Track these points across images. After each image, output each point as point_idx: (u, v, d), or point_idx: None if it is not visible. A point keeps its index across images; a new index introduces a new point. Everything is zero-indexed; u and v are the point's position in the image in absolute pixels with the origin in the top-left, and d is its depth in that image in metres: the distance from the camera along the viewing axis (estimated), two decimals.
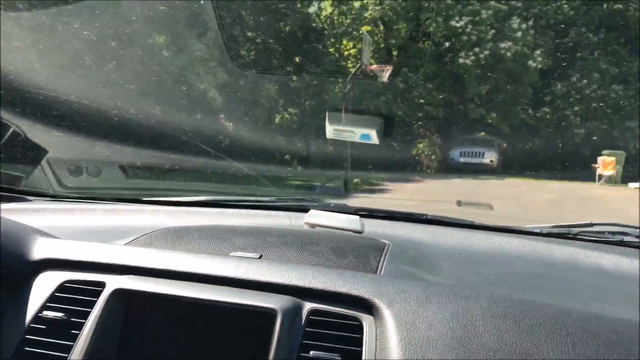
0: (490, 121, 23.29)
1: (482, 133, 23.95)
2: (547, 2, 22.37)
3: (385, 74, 17.40)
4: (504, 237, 1.29)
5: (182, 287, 0.88)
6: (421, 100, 23.09)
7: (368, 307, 0.81)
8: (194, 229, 1.17)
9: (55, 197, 1.64)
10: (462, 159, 21.60)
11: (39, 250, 1.02)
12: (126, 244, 1.09)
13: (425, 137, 24.73)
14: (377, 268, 0.97)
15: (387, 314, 0.78)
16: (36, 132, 1.70)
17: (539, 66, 22.26)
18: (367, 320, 0.79)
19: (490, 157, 21.22)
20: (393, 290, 0.82)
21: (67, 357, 0.85)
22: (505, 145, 23.08)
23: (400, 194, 13.85)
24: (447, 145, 22.46)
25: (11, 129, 1.64)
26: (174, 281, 0.90)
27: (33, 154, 1.67)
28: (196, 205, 1.54)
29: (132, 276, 0.92)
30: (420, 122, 25.02)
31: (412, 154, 23.38)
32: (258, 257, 1.00)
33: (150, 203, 1.54)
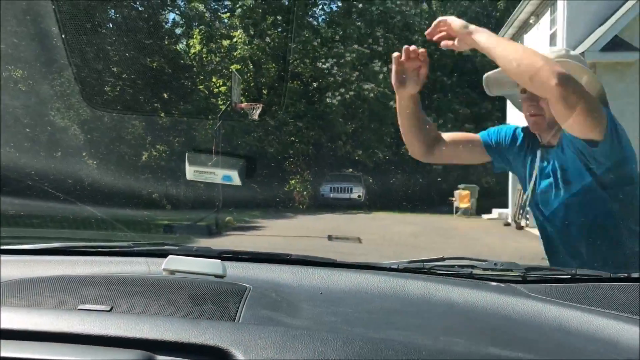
0: (357, 158, 24.33)
1: (350, 169, 24.91)
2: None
3: (256, 112, 17.58)
4: (365, 274, 1.32)
5: (25, 348, 0.80)
6: (291, 138, 23.57)
7: (224, 356, 0.78)
8: (38, 280, 1.07)
9: None
10: (332, 195, 22.22)
11: None
12: None
13: (296, 173, 25.19)
14: (236, 315, 0.94)
15: None
16: None
17: None
18: None
19: (357, 192, 22.04)
20: (250, 337, 0.80)
21: None
22: (371, 180, 24.16)
23: (273, 231, 13.90)
24: (317, 182, 23.05)
25: None
26: (15, 341, 0.82)
27: None
28: (43, 254, 1.42)
29: None
30: (291, 159, 25.50)
31: (284, 190, 23.70)
32: (109, 309, 0.93)
33: (3, 252, 1.40)
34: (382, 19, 24.67)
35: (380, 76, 22.93)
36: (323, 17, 26.33)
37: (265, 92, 24.09)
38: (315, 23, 25.43)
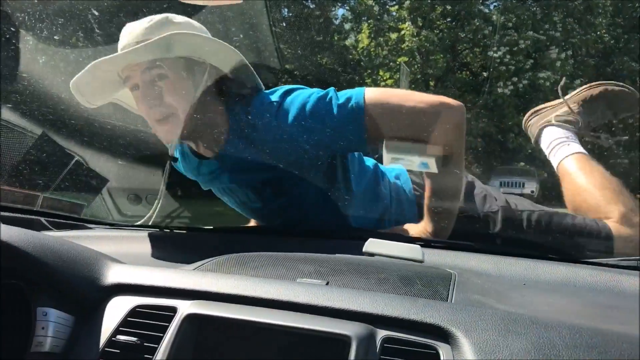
0: (530, 151, 22.99)
1: (522, 163, 23.62)
2: (586, 32, 22.16)
3: None
4: (570, 267, 1.25)
5: (253, 312, 0.88)
6: None
7: (444, 335, 0.79)
8: (257, 255, 1.17)
9: (114, 225, 1.68)
10: (502, 189, 21.20)
11: (110, 275, 1.04)
12: (193, 269, 1.10)
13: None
14: (447, 297, 0.95)
15: (465, 342, 0.76)
16: (98, 161, 1.76)
17: None
18: (444, 349, 0.78)
19: (530, 187, 20.80)
20: (470, 318, 0.80)
21: None
22: (545, 175, 22.67)
23: None
24: (486, 176, 22.19)
25: (75, 159, 1.70)
26: (244, 306, 0.90)
27: (94, 183, 1.72)
28: (255, 233, 1.55)
29: (202, 301, 0.93)
30: None
31: None
32: (325, 283, 0.99)
33: (208, 231, 1.56)
34: (561, 3, 23.00)
35: (558, 64, 21.44)
36: (495, 4, 25.24)
37: (432, 83, 23.73)
38: (486, 11, 24.44)
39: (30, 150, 1.67)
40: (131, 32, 1.36)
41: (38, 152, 1.67)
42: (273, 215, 1.58)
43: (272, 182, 1.49)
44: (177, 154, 1.50)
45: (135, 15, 1.40)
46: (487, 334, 0.77)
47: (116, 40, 1.37)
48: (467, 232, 1.59)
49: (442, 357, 0.77)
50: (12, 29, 1.76)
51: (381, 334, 0.82)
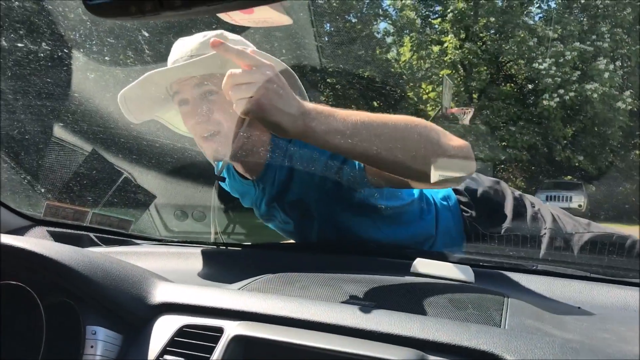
0: (577, 164, 22.40)
1: (569, 177, 23.02)
2: (636, 42, 21.54)
3: (467, 116, 17.24)
4: (627, 290, 1.20)
5: (300, 335, 0.86)
6: (503, 143, 22.58)
7: None
8: (302, 276, 1.16)
9: (161, 241, 1.70)
10: (548, 204, 20.47)
11: (158, 294, 1.05)
12: (239, 288, 1.10)
13: (508, 180, 24.04)
14: (501, 322, 0.92)
15: None
16: (146, 178, 1.79)
17: (629, 107, 21.31)
18: None
19: (578, 201, 20.15)
20: (524, 346, 0.77)
21: None
22: (593, 189, 22.02)
23: None
24: (531, 189, 21.69)
25: (123, 175, 1.73)
26: (291, 328, 0.89)
27: (142, 199, 1.75)
28: (301, 250, 1.54)
29: (249, 322, 0.92)
30: (502, 166, 24.43)
31: None
32: (373, 305, 0.97)
33: (254, 247, 1.56)
34: (609, 13, 22.47)
35: (606, 75, 20.90)
36: (540, 15, 24.84)
37: (475, 96, 23.45)
38: (531, 22, 24.07)
39: (81, 167, 1.71)
40: (184, 46, 1.36)
41: (88, 169, 1.71)
42: (312, 234, 1.56)
43: (312, 200, 1.48)
44: (224, 173, 1.50)
45: (182, 34, 1.41)
46: None
47: (164, 58, 1.39)
48: (517, 252, 1.54)
49: None
50: (65, 49, 1.81)
51: None
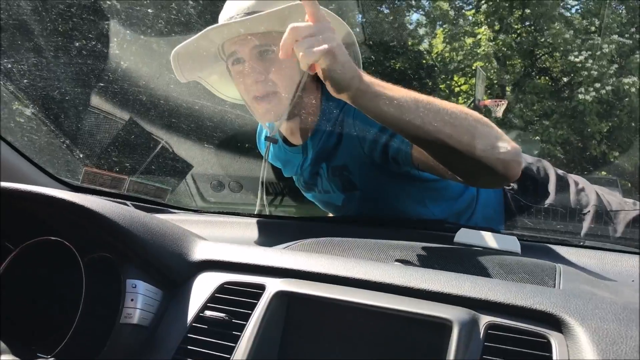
0: (612, 160, 21.84)
1: (604, 173, 22.47)
2: None
3: (500, 109, 16.92)
4: None
5: (346, 292, 0.84)
6: (536, 137, 22.14)
7: (555, 323, 0.72)
8: (345, 240, 1.13)
9: (197, 211, 1.69)
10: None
11: (199, 251, 1.03)
12: (282, 249, 1.08)
13: None
14: (555, 286, 0.88)
15: (580, 331, 0.69)
16: (183, 147, 1.78)
17: None
18: (555, 338, 0.71)
19: None
20: (585, 306, 0.73)
21: (229, 357, 0.83)
22: (629, 185, 21.45)
23: None
24: None
25: (160, 144, 1.72)
26: (335, 286, 0.86)
27: (179, 168, 1.74)
28: (342, 222, 1.51)
29: (292, 279, 0.90)
30: None
31: None
32: (421, 266, 0.94)
33: (296, 219, 1.54)
34: None
35: None
36: (577, 7, 24.26)
37: (509, 89, 23.04)
38: (567, 14, 23.52)
39: (119, 134, 1.71)
40: (239, 3, 1.31)
41: (127, 137, 1.71)
42: (352, 206, 1.54)
43: (354, 170, 1.45)
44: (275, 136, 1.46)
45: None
46: (607, 323, 0.70)
47: (207, 24, 1.36)
48: (562, 227, 1.50)
49: (554, 346, 0.70)
50: (105, 20, 1.81)
51: (485, 319, 0.76)
